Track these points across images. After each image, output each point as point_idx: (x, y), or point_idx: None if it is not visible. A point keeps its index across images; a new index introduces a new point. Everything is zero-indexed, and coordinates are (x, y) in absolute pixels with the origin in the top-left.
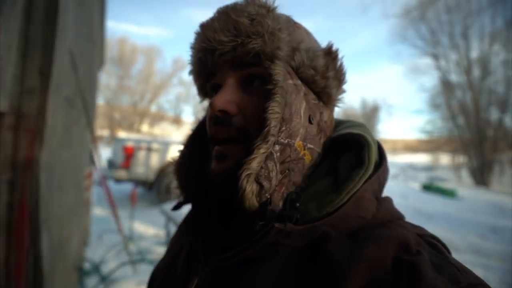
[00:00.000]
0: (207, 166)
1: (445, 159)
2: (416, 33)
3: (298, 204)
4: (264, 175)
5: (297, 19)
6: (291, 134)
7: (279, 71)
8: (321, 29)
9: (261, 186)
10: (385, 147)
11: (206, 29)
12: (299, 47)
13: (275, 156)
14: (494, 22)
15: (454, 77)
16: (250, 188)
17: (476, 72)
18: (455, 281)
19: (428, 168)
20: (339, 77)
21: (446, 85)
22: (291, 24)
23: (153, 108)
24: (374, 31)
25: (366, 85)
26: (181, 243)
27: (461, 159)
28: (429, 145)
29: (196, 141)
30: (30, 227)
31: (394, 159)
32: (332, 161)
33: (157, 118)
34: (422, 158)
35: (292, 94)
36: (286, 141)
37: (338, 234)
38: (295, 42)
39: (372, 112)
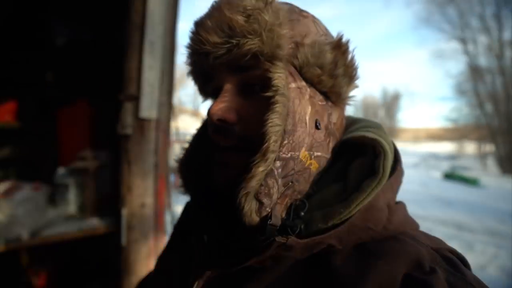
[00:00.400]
0: (211, 168)
1: (470, 147)
2: (443, 16)
3: (303, 213)
4: (264, 192)
5: (316, 3)
6: (295, 146)
7: (280, 74)
8: (340, 13)
9: (260, 203)
10: (407, 136)
11: (199, 28)
12: (304, 42)
13: (276, 172)
14: None
15: (483, 62)
16: (248, 207)
17: (508, 55)
18: None
19: (452, 157)
20: (350, 73)
21: (475, 71)
22: (294, 15)
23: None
24: (396, 15)
25: (387, 72)
26: (176, 245)
27: (487, 147)
28: (454, 133)
29: (202, 138)
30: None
31: (415, 148)
32: (343, 165)
33: (178, 111)
34: (446, 147)
35: (295, 100)
36: (289, 155)
37: (345, 246)
38: (298, 36)
39: (393, 100)
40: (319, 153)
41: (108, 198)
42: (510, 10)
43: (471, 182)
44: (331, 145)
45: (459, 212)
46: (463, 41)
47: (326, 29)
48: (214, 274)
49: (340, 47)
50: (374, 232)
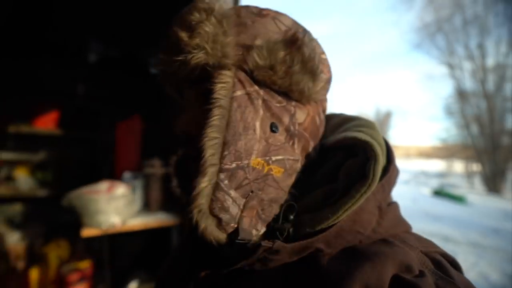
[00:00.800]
0: None
1: (458, 166)
2: (432, 43)
3: (292, 217)
4: (217, 207)
5: (312, 21)
6: (239, 156)
7: (222, 85)
8: (337, 31)
9: (218, 219)
10: (398, 153)
11: (160, 48)
12: (254, 44)
13: (222, 185)
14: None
15: (469, 86)
16: (204, 224)
17: (491, 81)
18: None
19: (441, 174)
20: (311, 68)
21: (461, 94)
22: (245, 19)
23: None
24: (389, 38)
25: (380, 91)
26: (185, 246)
27: (474, 167)
28: (443, 152)
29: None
30: None
31: (406, 165)
32: (334, 166)
33: None
34: (435, 165)
35: (239, 109)
36: (234, 165)
37: (333, 250)
38: (248, 40)
39: (385, 118)
40: (279, 157)
41: (171, 197)
42: (493, 39)
43: (458, 199)
44: (298, 146)
45: (446, 226)
46: (450, 66)
47: (293, 23)
48: (206, 275)
49: (294, 42)
50: (363, 235)
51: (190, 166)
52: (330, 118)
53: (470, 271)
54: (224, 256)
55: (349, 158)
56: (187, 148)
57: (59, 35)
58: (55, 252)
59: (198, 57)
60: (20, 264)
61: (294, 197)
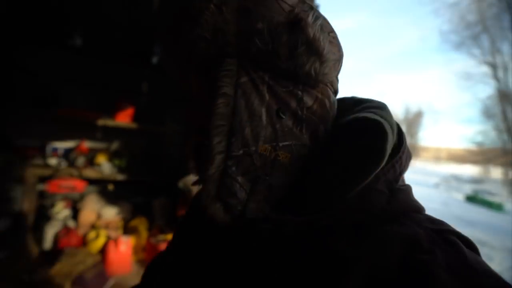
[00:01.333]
0: None
1: (496, 172)
2: (474, 41)
3: (301, 195)
4: (225, 192)
5: (339, 16)
6: (247, 142)
7: (225, 72)
8: (364, 25)
9: (226, 203)
10: (427, 155)
11: (162, 39)
12: (255, 28)
13: (229, 171)
14: None
15: None
16: (213, 209)
17: None
18: (474, 286)
19: (475, 180)
20: (316, 49)
21: (504, 95)
22: (246, 2)
23: None
24: (423, 34)
25: (410, 88)
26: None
27: None
28: (478, 156)
29: None
30: None
31: (436, 168)
32: (344, 147)
33: None
34: (468, 169)
35: (244, 95)
36: (241, 151)
37: (341, 227)
38: (250, 24)
39: (415, 117)
40: (288, 142)
41: None
42: None
43: (495, 206)
44: (307, 131)
45: (482, 232)
46: (493, 66)
47: (298, 2)
48: (213, 255)
49: (297, 24)
50: (372, 213)
51: (202, 153)
52: (342, 101)
53: (505, 274)
54: (231, 238)
55: (359, 139)
56: (198, 136)
57: (129, 42)
58: (143, 225)
59: (200, 47)
60: (117, 234)
61: (302, 181)
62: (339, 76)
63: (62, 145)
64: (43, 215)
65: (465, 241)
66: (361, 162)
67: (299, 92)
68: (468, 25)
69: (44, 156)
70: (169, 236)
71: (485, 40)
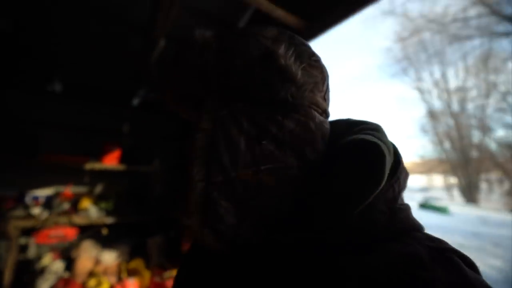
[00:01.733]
0: None
1: (438, 180)
2: (402, 71)
3: (302, 214)
4: (211, 217)
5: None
6: (226, 169)
7: (206, 109)
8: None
9: (214, 230)
10: None
11: (155, 82)
12: (233, 64)
13: (211, 197)
14: (466, 59)
15: (437, 107)
16: (201, 234)
17: (454, 101)
18: None
19: (424, 189)
20: (290, 76)
21: (431, 114)
22: (228, 42)
23: None
24: (363, 63)
25: (358, 111)
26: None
27: (452, 180)
28: (422, 167)
29: None
30: None
31: None
32: (342, 168)
33: None
34: (417, 180)
35: (221, 127)
36: (220, 178)
37: (342, 247)
38: (228, 62)
39: None
40: (269, 166)
41: None
42: (453, 68)
43: (442, 210)
44: (291, 153)
45: (435, 233)
46: (420, 90)
47: (277, 34)
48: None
49: (269, 55)
50: (372, 233)
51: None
52: (337, 122)
53: None
54: (228, 260)
55: (358, 160)
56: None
57: (113, 84)
58: (143, 266)
59: (183, 89)
60: (119, 278)
61: (298, 201)
62: (329, 95)
63: (42, 192)
64: (30, 270)
65: (465, 259)
66: (362, 183)
67: (279, 117)
68: (398, 61)
69: (25, 206)
70: (173, 272)
71: (411, 72)
